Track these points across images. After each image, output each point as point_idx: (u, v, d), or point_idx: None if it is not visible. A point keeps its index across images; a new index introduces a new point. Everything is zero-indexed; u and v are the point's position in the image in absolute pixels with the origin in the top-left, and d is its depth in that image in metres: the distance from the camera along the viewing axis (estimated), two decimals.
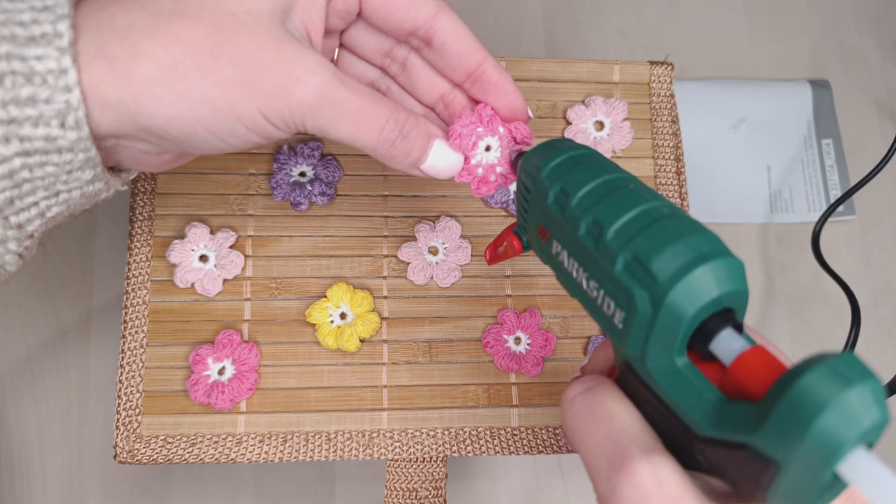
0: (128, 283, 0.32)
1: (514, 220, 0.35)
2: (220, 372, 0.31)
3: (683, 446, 0.17)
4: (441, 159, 0.24)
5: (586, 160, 0.21)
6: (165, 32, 0.18)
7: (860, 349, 0.44)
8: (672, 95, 0.37)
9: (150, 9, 0.19)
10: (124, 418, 0.31)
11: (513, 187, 0.35)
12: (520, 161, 0.24)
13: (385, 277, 0.34)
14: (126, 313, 0.32)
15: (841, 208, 0.46)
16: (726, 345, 0.17)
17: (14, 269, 0.21)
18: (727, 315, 0.17)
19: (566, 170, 0.21)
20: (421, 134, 0.23)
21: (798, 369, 0.14)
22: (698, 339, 0.17)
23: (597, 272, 0.19)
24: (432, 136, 0.24)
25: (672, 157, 0.37)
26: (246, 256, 0.33)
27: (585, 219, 0.19)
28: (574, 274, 0.20)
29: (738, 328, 0.17)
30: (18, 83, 0.17)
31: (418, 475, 0.32)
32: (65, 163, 0.19)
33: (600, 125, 0.36)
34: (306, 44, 0.21)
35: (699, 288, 0.16)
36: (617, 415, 0.18)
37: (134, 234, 0.33)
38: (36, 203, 0.20)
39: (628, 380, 0.19)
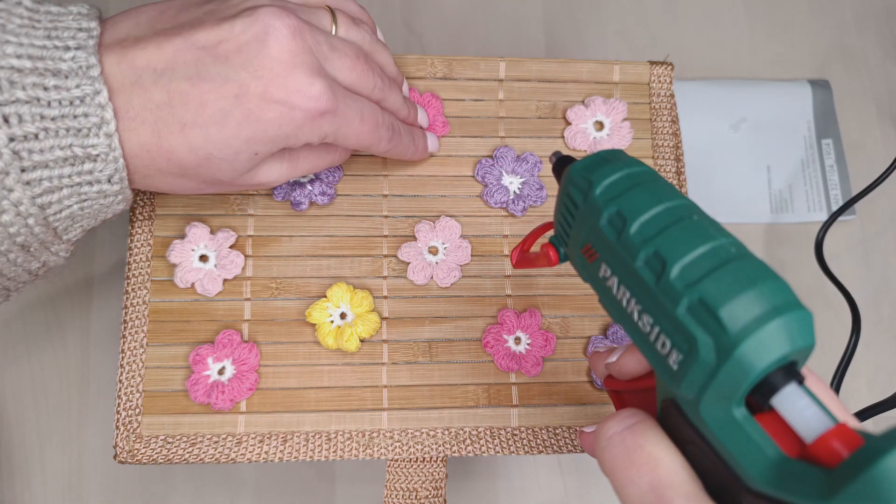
0: (128, 283, 0.32)
1: (512, 219, 0.35)
2: (220, 372, 0.31)
3: (730, 494, 0.17)
4: None
5: (645, 180, 0.20)
6: (173, 184, 0.27)
7: (859, 350, 0.44)
8: (672, 95, 0.37)
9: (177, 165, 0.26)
10: (124, 418, 0.31)
11: (511, 187, 0.35)
12: (565, 170, 0.22)
13: (385, 277, 0.34)
14: (126, 313, 0.32)
15: None
16: (790, 402, 0.16)
17: (61, 265, 0.28)
18: (791, 369, 0.16)
19: (623, 190, 0.19)
20: (350, 152, 0.32)
21: (879, 445, 0.14)
22: (758, 390, 0.16)
23: (653, 308, 0.18)
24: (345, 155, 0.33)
25: (672, 157, 0.37)
26: (246, 256, 0.33)
27: (645, 249, 0.18)
28: (624, 303, 0.19)
29: (800, 380, 0.16)
30: (80, 161, 0.24)
31: (418, 475, 0.32)
32: (108, 203, 0.26)
33: (600, 125, 0.36)
34: (270, 158, 0.28)
35: (771, 343, 0.16)
36: (660, 461, 0.18)
37: (134, 234, 0.33)
38: (82, 226, 0.27)
39: (672, 418, 0.18)
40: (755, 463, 0.16)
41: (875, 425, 0.43)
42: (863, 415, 0.34)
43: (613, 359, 0.23)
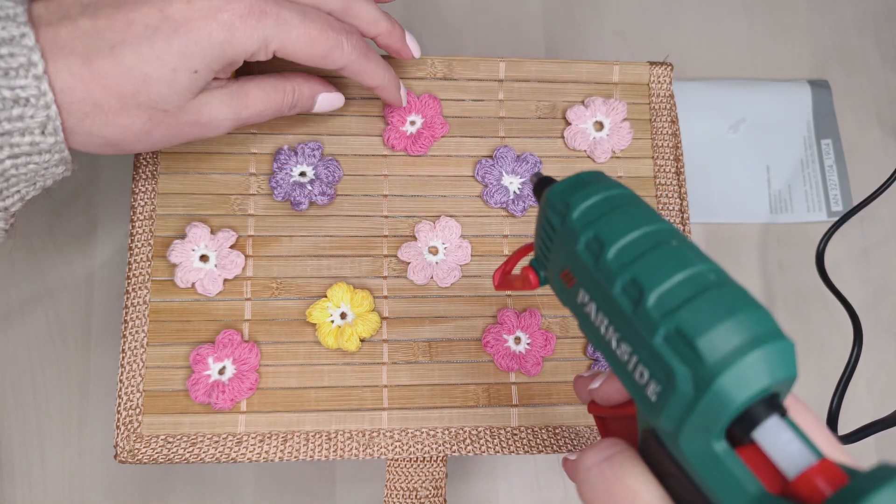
0: (128, 283, 0.32)
1: (512, 219, 0.35)
2: (221, 372, 0.31)
3: None
4: (325, 104, 0.32)
5: (623, 204, 0.19)
6: (115, 123, 0.26)
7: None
8: (671, 96, 0.37)
9: (112, 89, 0.25)
10: (125, 418, 0.31)
11: (511, 187, 0.35)
12: (544, 191, 0.21)
13: (385, 277, 0.34)
14: (126, 313, 0.32)
15: (840, 207, 0.46)
16: (772, 436, 0.15)
17: (0, 242, 0.27)
18: (773, 401, 0.16)
19: (601, 214, 0.19)
20: (305, 95, 0.31)
21: (863, 485, 0.13)
22: (739, 423, 0.16)
23: (631, 336, 0.17)
24: (315, 93, 0.32)
25: (671, 158, 0.37)
26: (246, 256, 0.33)
27: (622, 276, 0.17)
28: (602, 330, 0.18)
29: (783, 413, 0.16)
30: (9, 105, 0.23)
31: (418, 475, 0.32)
32: (44, 161, 0.25)
33: (600, 125, 0.36)
34: (216, 86, 0.28)
35: (750, 375, 0.15)
36: (638, 494, 0.17)
37: (134, 234, 0.33)
38: (18, 191, 0.26)
39: (653, 449, 0.18)
40: (736, 499, 0.15)
41: (875, 442, 0.43)
42: (861, 433, 0.34)
43: (596, 385, 0.22)
